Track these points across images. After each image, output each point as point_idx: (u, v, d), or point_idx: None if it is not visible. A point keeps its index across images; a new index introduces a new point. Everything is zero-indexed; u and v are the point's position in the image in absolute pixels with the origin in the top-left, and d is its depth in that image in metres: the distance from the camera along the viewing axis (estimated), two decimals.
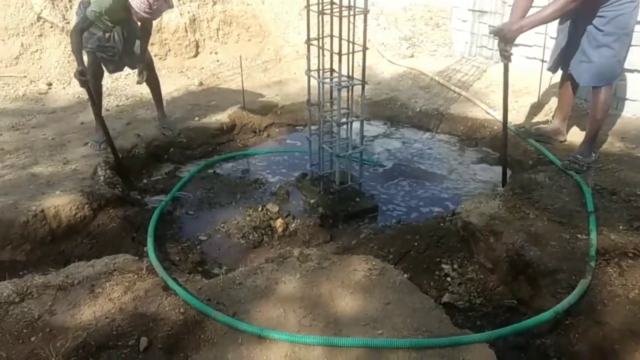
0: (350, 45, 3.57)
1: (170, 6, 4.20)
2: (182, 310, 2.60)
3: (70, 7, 6.44)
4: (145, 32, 4.52)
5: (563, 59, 4.08)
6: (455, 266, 3.32)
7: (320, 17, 3.60)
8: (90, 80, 4.38)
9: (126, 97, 5.71)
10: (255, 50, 7.04)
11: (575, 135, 4.45)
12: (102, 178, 4.03)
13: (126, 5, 4.05)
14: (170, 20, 6.75)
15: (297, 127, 5.43)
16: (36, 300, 2.70)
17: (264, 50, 7.08)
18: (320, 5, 3.56)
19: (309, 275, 2.83)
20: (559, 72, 4.27)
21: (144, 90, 5.73)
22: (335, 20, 3.54)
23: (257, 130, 5.28)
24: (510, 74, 5.90)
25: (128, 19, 4.27)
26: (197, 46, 6.93)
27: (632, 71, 4.73)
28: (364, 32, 3.51)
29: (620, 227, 3.12)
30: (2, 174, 3.97)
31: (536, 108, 5.06)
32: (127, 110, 5.38)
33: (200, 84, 6.17)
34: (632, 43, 4.44)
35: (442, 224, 3.55)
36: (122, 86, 5.97)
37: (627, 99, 4.83)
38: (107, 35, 4.33)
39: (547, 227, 3.23)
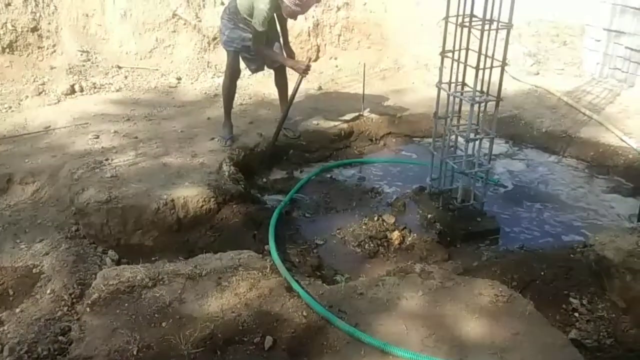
0: (488, 59, 3.46)
1: (319, 0, 4.27)
2: (304, 313, 2.62)
3: (204, 6, 6.75)
4: (284, 30, 4.73)
5: None
6: (585, 302, 3.11)
7: (459, 29, 3.51)
8: (228, 78, 4.69)
9: (249, 97, 5.89)
10: (374, 58, 7.03)
11: None
12: (226, 173, 4.17)
13: (277, 8, 4.23)
14: (294, 24, 6.88)
15: (414, 138, 5.35)
16: (167, 287, 2.83)
17: (383, 59, 7.05)
18: (460, 18, 3.47)
19: (432, 294, 2.76)
20: None
21: (266, 90, 5.92)
22: (473, 33, 3.45)
23: (374, 139, 5.27)
24: None
25: (273, 20, 4.47)
26: (318, 50, 7.04)
27: None
28: (505, 47, 3.38)
29: None
30: (137, 162, 4.21)
31: None
32: (250, 109, 5.55)
33: (320, 88, 6.25)
34: None
35: (571, 255, 3.34)
36: (245, 85, 6.16)
37: None
38: (248, 34, 4.49)
39: None
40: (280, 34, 4.77)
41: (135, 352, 2.41)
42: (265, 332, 2.51)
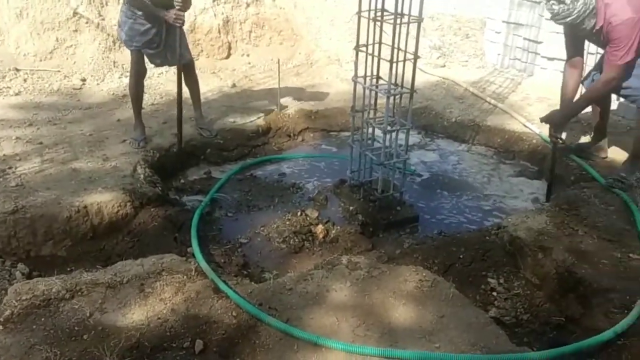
0: (400, 53, 3.54)
1: None
2: (234, 313, 2.58)
3: (106, 4, 6.47)
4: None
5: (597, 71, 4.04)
6: (502, 281, 3.28)
7: (371, 23, 3.57)
8: (133, 78, 4.50)
9: (160, 96, 5.71)
10: (286, 54, 7.03)
11: (616, 152, 4.41)
12: (142, 176, 4.02)
13: None
14: (204, 21, 6.76)
15: (332, 133, 5.41)
16: (86, 298, 2.69)
17: (295, 55, 7.07)
18: (373, 12, 3.53)
19: (360, 284, 2.80)
20: None
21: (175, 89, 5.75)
22: (384, 27, 3.52)
23: (292, 134, 5.27)
24: (544, 88, 5.90)
25: (170, 6, 4.22)
26: (230, 48, 6.94)
27: None
28: (417, 40, 3.48)
29: None
30: (44, 168, 3.97)
31: (575, 123, 5.01)
32: (162, 109, 5.38)
33: (234, 85, 6.16)
34: None
35: (487, 237, 3.51)
36: (155, 84, 5.97)
37: None
38: (150, 25, 4.30)
39: (597, 245, 3.19)
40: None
41: None
42: (195, 336, 2.44)
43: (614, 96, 4.29)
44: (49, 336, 2.45)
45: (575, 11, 3.48)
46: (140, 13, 4.28)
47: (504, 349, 2.40)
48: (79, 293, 2.71)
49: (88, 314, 2.57)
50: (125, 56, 6.39)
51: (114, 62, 6.33)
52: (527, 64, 6.51)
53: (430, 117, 5.50)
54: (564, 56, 5.86)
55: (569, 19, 3.51)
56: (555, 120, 3.91)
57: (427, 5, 8.56)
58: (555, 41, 5.95)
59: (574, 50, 3.94)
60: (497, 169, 4.74)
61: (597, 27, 3.57)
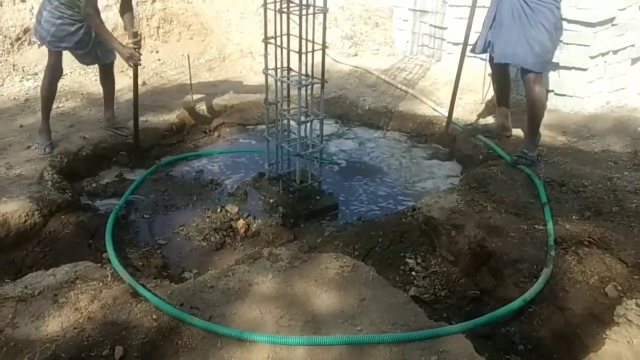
0: (309, 44, 3.57)
1: None
2: (154, 316, 2.52)
3: (1, 4, 6.08)
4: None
5: (489, 38, 4.19)
6: (419, 260, 3.40)
7: (278, 15, 3.57)
8: (48, 79, 4.35)
9: (66, 98, 5.45)
10: (198, 49, 6.90)
11: (521, 130, 4.65)
12: (49, 183, 3.84)
13: None
14: (107, 19, 6.48)
15: (248, 127, 5.37)
16: None
17: (207, 49, 6.95)
18: (279, 4, 3.53)
19: (282, 275, 2.81)
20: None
21: (85, 89, 5.54)
22: (292, 18, 3.53)
23: (208, 130, 5.19)
24: (451, 72, 6.10)
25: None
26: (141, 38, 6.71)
27: (568, 68, 4.99)
28: (324, 31, 3.51)
29: (573, 217, 3.29)
30: None
31: (481, 105, 5.24)
32: (68, 111, 5.14)
33: (144, 83, 5.98)
34: (567, 41, 4.72)
35: (403, 220, 3.61)
36: (60, 85, 5.67)
37: (564, 95, 5.08)
38: (79, 25, 4.17)
39: (505, 219, 3.36)
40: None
41: None
42: (114, 342, 2.37)
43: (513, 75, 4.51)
44: None
45: None
46: (69, 13, 4.10)
47: (423, 325, 2.48)
48: None
49: None
50: (25, 58, 6.09)
51: (14, 65, 5.98)
52: (434, 49, 6.72)
53: (345, 106, 5.58)
54: (469, 41, 6.13)
55: None
56: None
57: None
58: (459, 27, 6.17)
59: None
60: (411, 153, 4.88)
61: None
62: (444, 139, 4.88)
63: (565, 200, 3.50)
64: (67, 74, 5.85)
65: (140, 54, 4.20)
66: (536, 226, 3.24)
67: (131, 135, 4.63)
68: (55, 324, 2.48)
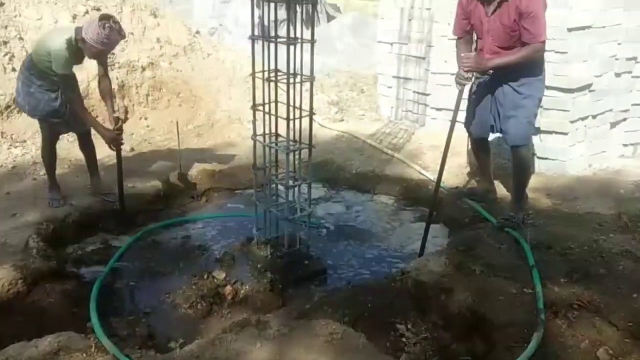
0: (297, 110, 3.65)
1: (123, 36, 4.17)
2: None
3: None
4: (104, 67, 4.45)
5: (480, 119, 4.33)
6: (410, 325, 3.34)
7: (266, 83, 3.66)
8: (47, 144, 4.53)
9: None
10: (187, 115, 7.01)
11: (505, 193, 4.72)
12: (34, 251, 3.79)
13: (76, 51, 4.06)
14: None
15: (236, 191, 5.39)
16: None
17: (196, 116, 7.06)
18: (267, 73, 3.63)
19: (270, 344, 2.76)
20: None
21: (72, 155, 5.56)
22: (280, 86, 3.63)
23: (196, 195, 5.20)
24: (435, 137, 6.24)
25: (73, 75, 4.31)
26: (127, 112, 6.82)
27: (549, 132, 5.12)
28: (311, 98, 3.61)
29: (562, 280, 3.30)
30: None
31: (465, 168, 5.33)
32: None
33: (132, 149, 6.03)
34: (547, 106, 4.88)
35: (393, 284, 3.59)
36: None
37: (547, 159, 5.20)
38: (54, 95, 4.28)
39: (494, 283, 3.36)
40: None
41: None
42: None
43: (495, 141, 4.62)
44: None
45: None
46: (41, 82, 4.22)
47: None
48: None
49: None
50: (14, 125, 6.13)
51: (2, 133, 6.01)
52: (418, 115, 6.89)
53: (333, 170, 5.64)
54: (452, 106, 6.28)
55: None
56: (480, 61, 3.86)
57: (324, 63, 8.95)
58: (441, 92, 6.37)
59: (466, 30, 4.11)
60: (399, 216, 4.91)
61: None
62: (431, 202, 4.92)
63: (552, 262, 3.52)
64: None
65: (122, 138, 4.44)
66: (525, 289, 3.24)
67: (117, 201, 4.62)
68: None
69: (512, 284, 3.33)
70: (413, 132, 6.62)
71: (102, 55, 4.31)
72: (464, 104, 4.27)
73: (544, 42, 3.82)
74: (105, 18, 3.98)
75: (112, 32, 3.97)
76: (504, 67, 3.90)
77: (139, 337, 3.16)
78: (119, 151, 4.47)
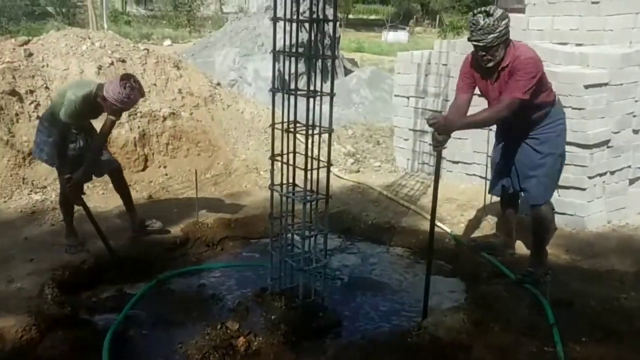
0: (314, 161, 3.69)
1: (143, 95, 4.33)
2: None
3: (17, 121, 6.35)
4: (104, 129, 4.45)
5: (502, 179, 4.35)
6: None
7: (285, 134, 3.71)
8: (63, 192, 4.62)
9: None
10: (205, 164, 7.09)
11: (524, 248, 4.67)
12: (49, 297, 3.80)
13: (94, 104, 4.16)
14: (119, 135, 6.75)
15: (252, 240, 5.39)
16: None
17: (214, 165, 7.14)
18: (286, 124, 3.69)
19: None
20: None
21: (90, 203, 5.61)
22: (298, 137, 3.69)
23: (211, 244, 5.20)
24: (451, 189, 6.24)
25: (90, 126, 4.45)
26: (146, 160, 6.91)
27: (567, 187, 5.09)
28: (329, 149, 3.65)
29: (583, 339, 3.22)
30: None
31: (483, 222, 5.29)
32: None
33: (150, 197, 6.09)
34: (565, 162, 4.87)
35: (409, 339, 3.52)
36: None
37: (565, 214, 5.15)
38: (72, 145, 4.43)
39: (513, 340, 3.29)
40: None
41: None
42: None
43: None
44: None
45: (497, 30, 3.59)
46: (54, 131, 4.34)
47: None
48: None
49: None
50: (35, 172, 6.23)
51: (23, 179, 6.11)
52: (434, 167, 6.89)
53: (348, 221, 5.63)
54: (467, 159, 6.31)
55: (489, 36, 3.60)
56: (440, 125, 3.75)
57: (341, 116, 9.07)
58: (457, 145, 6.41)
59: (469, 89, 4.06)
60: (414, 269, 4.86)
61: (504, 64, 3.74)
62: (448, 256, 4.88)
63: (573, 320, 3.44)
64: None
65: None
66: (545, 348, 3.17)
67: (164, 230, 4.91)
68: None
69: (531, 341, 3.26)
70: (429, 184, 6.62)
71: (120, 113, 4.44)
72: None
73: (518, 98, 3.67)
74: (127, 78, 4.13)
75: (132, 91, 4.12)
76: (473, 126, 4.08)
77: None
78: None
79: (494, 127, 4.45)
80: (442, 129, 3.76)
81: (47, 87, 6.70)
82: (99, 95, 4.15)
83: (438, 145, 3.82)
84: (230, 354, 3.54)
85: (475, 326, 3.44)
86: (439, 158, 3.93)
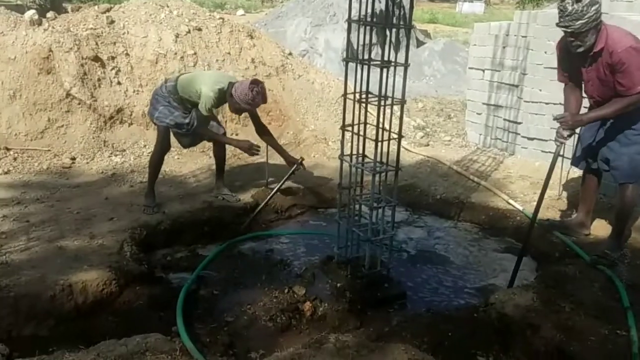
0: (385, 132, 3.67)
1: (265, 101, 4.72)
2: None
3: (99, 86, 6.64)
4: (256, 119, 5.10)
5: (588, 155, 4.19)
6: (491, 359, 3.24)
7: (357, 105, 3.71)
8: (158, 152, 4.91)
9: (143, 176, 5.76)
10: (275, 133, 7.13)
11: (599, 229, 4.49)
12: (128, 254, 4.02)
13: (222, 97, 4.58)
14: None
15: (319, 209, 5.46)
16: None
17: (284, 134, 7.23)
18: (358, 95, 3.68)
19: None
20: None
21: (167, 167, 5.85)
22: (369, 108, 3.67)
23: (280, 211, 5.31)
24: (525, 166, 6.06)
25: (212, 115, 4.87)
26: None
27: None
28: (401, 121, 3.62)
29: None
30: (30, 247, 3.95)
31: (558, 201, 5.12)
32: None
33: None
34: None
35: (475, 315, 3.49)
36: (144, 163, 6.04)
37: None
38: (186, 118, 4.80)
39: (584, 322, 3.20)
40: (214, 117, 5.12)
41: None
42: None
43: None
44: None
45: (587, 16, 3.49)
46: (177, 105, 4.76)
47: None
48: None
49: None
50: (115, 136, 6.53)
51: (104, 142, 6.43)
52: (508, 143, 6.72)
53: (416, 195, 5.59)
54: (544, 136, 6.09)
55: (578, 22, 3.51)
56: (568, 121, 3.83)
57: (411, 89, 8.92)
58: (534, 121, 6.19)
59: (570, 76, 4.00)
60: (483, 246, 4.78)
61: (596, 49, 3.64)
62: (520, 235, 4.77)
63: None
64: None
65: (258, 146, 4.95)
66: (618, 332, 3.06)
67: (238, 199, 5.15)
68: None
69: (604, 324, 3.15)
70: (501, 160, 6.46)
71: (241, 112, 4.85)
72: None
73: (639, 92, 3.64)
74: (255, 83, 4.51)
75: (257, 95, 4.50)
76: (600, 119, 3.90)
77: (220, 345, 3.25)
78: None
79: (587, 104, 4.28)
80: (570, 126, 3.84)
81: (127, 54, 6.95)
82: (229, 92, 4.54)
83: (561, 140, 3.87)
84: (296, 317, 3.64)
85: (545, 306, 3.36)
86: (556, 154, 3.95)
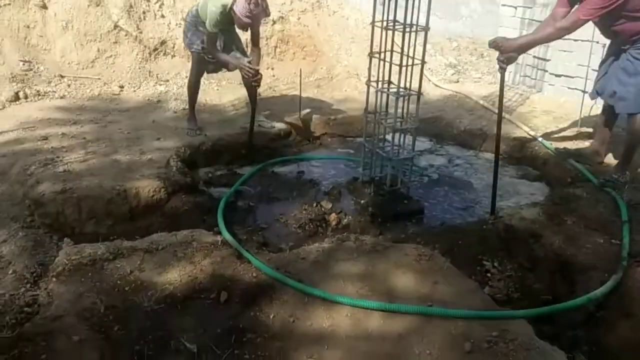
0: (409, 59, 3.95)
1: (268, 15, 4.76)
2: (254, 274, 2.97)
3: (144, 18, 7.02)
4: (255, 38, 5.04)
5: (602, 87, 4.38)
6: (496, 264, 3.61)
7: (384, 32, 3.98)
8: (193, 76, 5.17)
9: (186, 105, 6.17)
10: (309, 68, 7.49)
11: (613, 159, 4.71)
12: (174, 168, 4.47)
13: (230, 16, 4.60)
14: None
15: (348, 138, 5.81)
16: (127, 260, 3.10)
17: (317, 69, 7.53)
18: (385, 22, 3.95)
19: (365, 256, 3.16)
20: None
21: (207, 97, 6.25)
22: (396, 35, 3.94)
23: (311, 139, 5.68)
24: (550, 102, 6.22)
25: (230, 29, 4.91)
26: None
27: None
28: (424, 47, 3.89)
29: None
30: (88, 159, 4.43)
31: (576, 133, 5.33)
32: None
33: (259, 95, 6.60)
34: None
35: (484, 226, 3.85)
36: (185, 92, 6.44)
37: None
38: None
39: (583, 232, 3.51)
40: (240, 42, 5.23)
41: (102, 310, 2.68)
42: (220, 289, 2.83)
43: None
44: (95, 287, 2.86)
45: None
46: (203, 29, 4.83)
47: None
48: (121, 256, 3.13)
49: (129, 272, 2.98)
50: (159, 66, 6.95)
51: (150, 72, 6.85)
52: (536, 80, 6.86)
53: (441, 126, 5.87)
54: (571, 73, 6.22)
55: None
56: (501, 47, 3.99)
57: (447, 28, 8.99)
58: (562, 58, 6.32)
59: (561, 7, 4.10)
60: (501, 172, 5.05)
61: None
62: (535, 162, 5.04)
63: None
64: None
65: (258, 74, 4.88)
66: (613, 241, 3.37)
67: (272, 126, 5.45)
68: (174, 271, 2.98)
69: (601, 235, 3.46)
70: (528, 96, 6.63)
71: (247, 27, 4.83)
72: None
73: (581, 19, 3.78)
74: None
75: (256, 8, 4.47)
76: (535, 44, 4.17)
77: (255, 243, 3.70)
78: (254, 90, 5.13)
79: (607, 41, 4.43)
80: (502, 49, 3.97)
81: None
82: (232, 9, 4.56)
83: (503, 66, 4.02)
84: (322, 226, 4.06)
85: (549, 219, 3.67)
86: (502, 79, 4.10)
